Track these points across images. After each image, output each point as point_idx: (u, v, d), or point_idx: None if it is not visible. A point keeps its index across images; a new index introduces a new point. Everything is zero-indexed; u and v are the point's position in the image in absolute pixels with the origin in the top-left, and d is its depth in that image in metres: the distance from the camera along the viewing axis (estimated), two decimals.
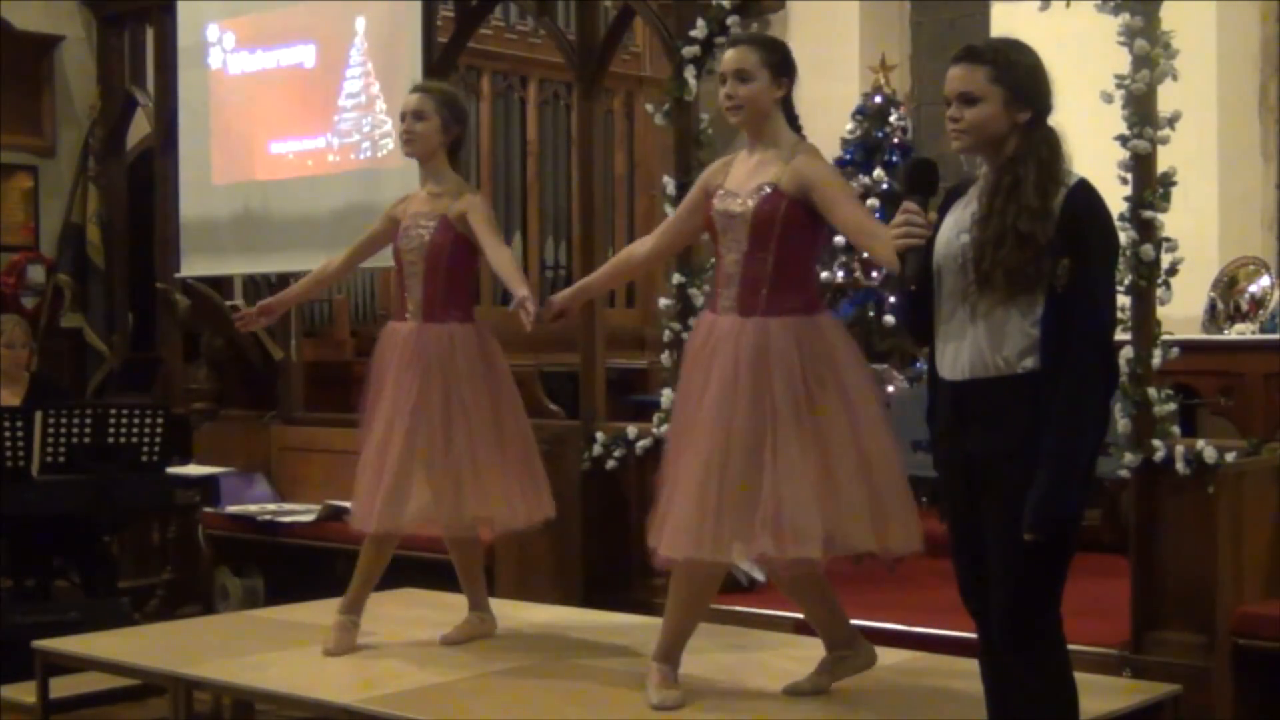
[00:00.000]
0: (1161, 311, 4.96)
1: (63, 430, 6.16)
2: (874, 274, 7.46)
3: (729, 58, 4.07)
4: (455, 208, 4.73)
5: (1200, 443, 4.85)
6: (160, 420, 6.42)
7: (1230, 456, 4.86)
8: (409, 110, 4.80)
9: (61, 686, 5.06)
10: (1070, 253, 3.21)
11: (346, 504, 4.96)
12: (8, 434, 6.05)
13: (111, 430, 6.27)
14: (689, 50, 6.01)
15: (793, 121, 4.14)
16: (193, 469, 7.39)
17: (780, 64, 4.08)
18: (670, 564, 4.01)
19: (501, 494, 4.71)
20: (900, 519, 3.95)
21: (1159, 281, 4.90)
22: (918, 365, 7.20)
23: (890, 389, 7.23)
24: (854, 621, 4.41)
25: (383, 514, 4.64)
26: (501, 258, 4.65)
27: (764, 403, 3.88)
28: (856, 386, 3.96)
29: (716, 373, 3.96)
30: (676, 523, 3.94)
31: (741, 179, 4.07)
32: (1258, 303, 7.35)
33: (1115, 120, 4.92)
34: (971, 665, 3.60)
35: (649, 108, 6.49)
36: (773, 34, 9.47)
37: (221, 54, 8.06)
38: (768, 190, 3.98)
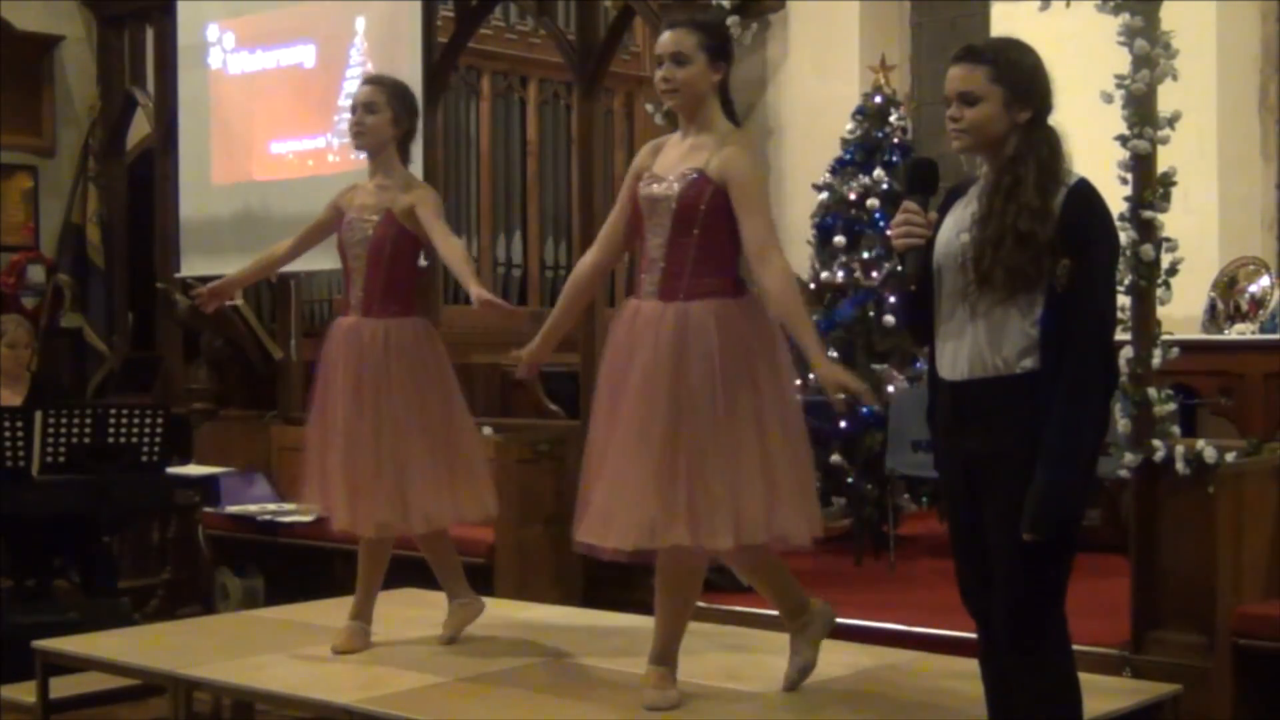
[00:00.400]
0: (1161, 311, 4.96)
1: (63, 430, 6.16)
2: (874, 274, 7.45)
3: (666, 40, 4.01)
4: (402, 201, 4.68)
5: (1200, 443, 4.85)
6: (160, 420, 6.42)
7: (1230, 456, 4.86)
8: (359, 102, 4.76)
9: (61, 686, 5.06)
10: (1070, 253, 3.21)
11: None
12: (8, 434, 6.05)
13: (111, 430, 6.27)
14: None
15: (728, 106, 4.09)
16: (193, 469, 7.40)
17: (718, 48, 4.03)
18: (589, 550, 3.98)
19: (431, 491, 4.65)
20: (795, 509, 3.92)
21: (1159, 281, 4.90)
22: (918, 365, 7.20)
23: (890, 389, 7.23)
24: (854, 621, 4.41)
25: (362, 519, 4.65)
26: (453, 252, 4.58)
27: (682, 391, 3.86)
28: (769, 373, 3.94)
29: (639, 361, 3.93)
30: (596, 511, 3.91)
31: (670, 163, 4.03)
32: (1258, 303, 7.35)
33: (1115, 120, 4.92)
34: (971, 665, 3.60)
35: (649, 108, 6.48)
36: (773, 34, 9.55)
37: (221, 54, 8.06)
38: (694, 176, 3.94)
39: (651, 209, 4.01)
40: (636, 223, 4.10)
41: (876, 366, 7.31)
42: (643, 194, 4.05)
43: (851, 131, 7.78)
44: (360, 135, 4.77)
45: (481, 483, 4.81)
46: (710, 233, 3.93)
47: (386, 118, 4.74)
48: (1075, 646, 3.43)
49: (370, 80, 4.88)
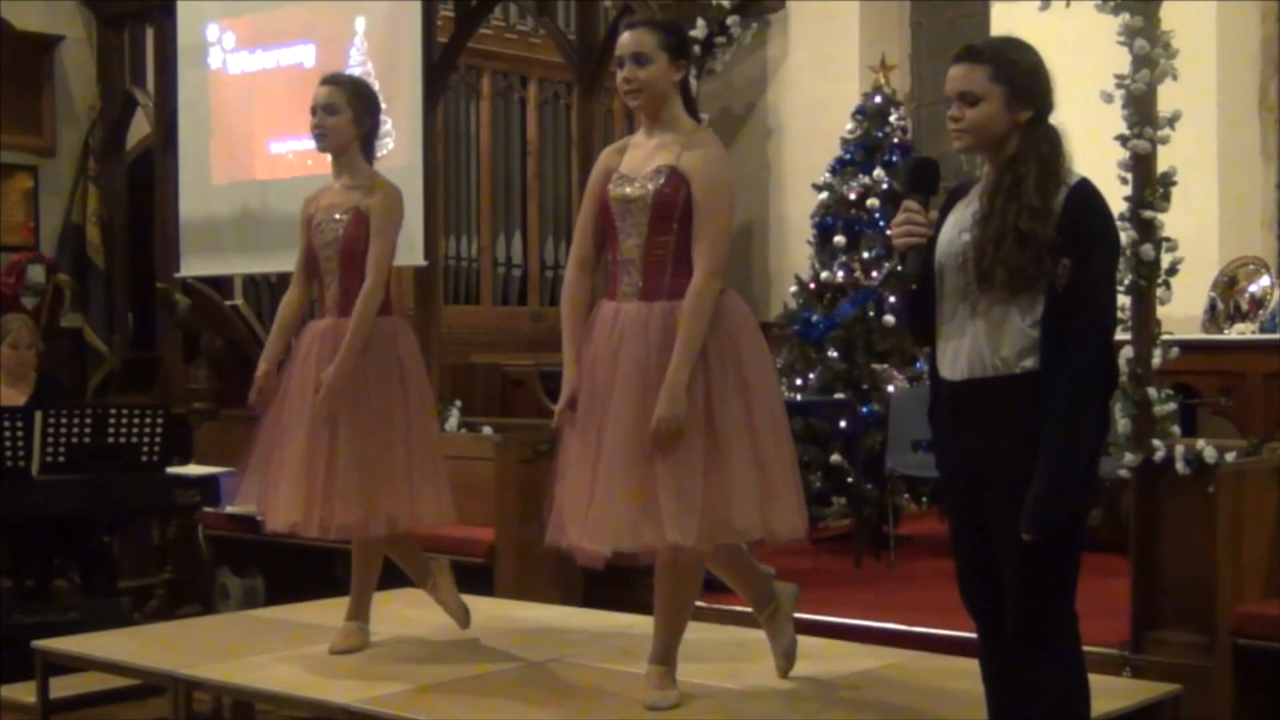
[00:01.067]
0: (1161, 311, 4.96)
1: (63, 430, 6.15)
2: (874, 274, 7.46)
3: (626, 41, 4.00)
4: (368, 201, 4.62)
5: (1200, 443, 4.85)
6: (160, 420, 6.42)
7: (1230, 456, 4.86)
8: (319, 104, 4.65)
9: (61, 686, 5.06)
10: (1071, 252, 3.21)
11: None
12: (8, 434, 6.05)
13: (111, 430, 6.27)
14: None
15: (689, 104, 4.09)
16: (193, 469, 7.38)
17: (678, 46, 4.02)
18: (582, 554, 3.97)
19: (395, 494, 4.59)
20: (786, 506, 3.92)
21: (1159, 281, 4.91)
22: (918, 365, 7.21)
23: (890, 389, 7.24)
24: (854, 621, 4.41)
25: (325, 523, 4.57)
26: (362, 304, 4.49)
27: None
28: (756, 371, 3.94)
29: (627, 362, 3.90)
30: (593, 515, 3.88)
31: (638, 162, 4.01)
32: (1258, 303, 7.36)
33: (1115, 120, 4.92)
34: (971, 665, 3.60)
35: None
36: (773, 34, 9.56)
37: (221, 54, 8.06)
38: (667, 173, 3.93)
39: (624, 210, 3.99)
40: (607, 225, 4.07)
41: (876, 366, 7.32)
42: (613, 195, 4.01)
43: (851, 131, 7.79)
44: (323, 138, 4.67)
45: (442, 486, 4.72)
46: (688, 229, 3.92)
47: (347, 118, 4.65)
48: None
49: (328, 80, 4.76)
